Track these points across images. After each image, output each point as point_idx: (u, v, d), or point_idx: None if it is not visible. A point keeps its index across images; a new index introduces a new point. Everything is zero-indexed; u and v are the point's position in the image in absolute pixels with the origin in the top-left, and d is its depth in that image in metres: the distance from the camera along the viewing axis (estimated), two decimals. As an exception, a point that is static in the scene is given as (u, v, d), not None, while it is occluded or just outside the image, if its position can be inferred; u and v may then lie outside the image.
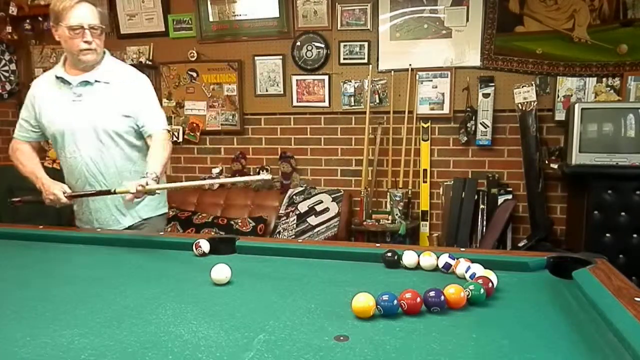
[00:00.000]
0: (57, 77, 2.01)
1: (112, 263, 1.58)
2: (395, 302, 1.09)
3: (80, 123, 1.99)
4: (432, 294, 1.11)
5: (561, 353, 0.91)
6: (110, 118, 2.00)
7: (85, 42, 1.91)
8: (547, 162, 3.52)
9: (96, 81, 2.00)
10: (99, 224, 2.11)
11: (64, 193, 1.94)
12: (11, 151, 2.16)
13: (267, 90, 4.10)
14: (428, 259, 1.45)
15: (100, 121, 1.99)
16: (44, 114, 2.05)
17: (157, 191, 2.06)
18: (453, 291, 1.12)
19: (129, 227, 2.13)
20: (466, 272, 1.33)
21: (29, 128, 2.12)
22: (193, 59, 4.16)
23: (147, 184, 1.79)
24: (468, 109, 3.69)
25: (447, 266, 1.42)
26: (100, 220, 2.11)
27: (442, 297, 1.10)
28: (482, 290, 1.15)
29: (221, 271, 1.35)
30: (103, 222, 2.11)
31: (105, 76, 2.01)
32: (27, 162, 2.10)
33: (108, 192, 1.91)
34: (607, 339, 0.93)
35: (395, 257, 1.49)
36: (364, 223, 3.75)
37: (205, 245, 1.65)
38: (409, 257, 1.46)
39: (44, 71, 4.43)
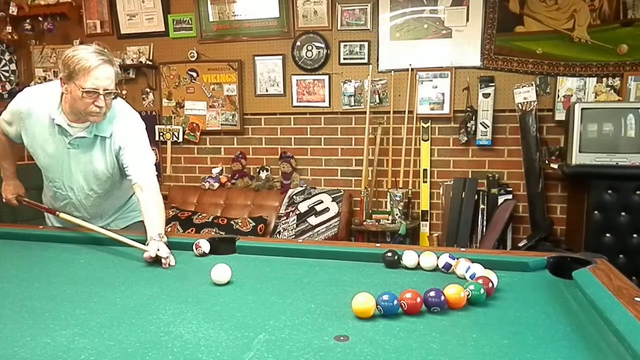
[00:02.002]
0: (54, 123, 1.86)
1: (112, 263, 1.58)
2: (395, 302, 1.09)
3: (72, 168, 1.93)
4: (432, 294, 1.11)
5: (561, 353, 0.91)
6: (105, 167, 1.94)
7: (97, 106, 1.76)
8: (547, 162, 3.52)
9: (94, 135, 1.89)
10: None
11: (17, 196, 2.09)
12: None
13: (267, 90, 4.10)
14: (428, 259, 1.44)
15: (94, 171, 1.94)
16: (32, 145, 1.95)
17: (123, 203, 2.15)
18: (453, 291, 1.12)
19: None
20: (466, 272, 1.34)
21: (11, 133, 2.00)
22: (193, 59, 4.16)
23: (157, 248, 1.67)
24: (468, 109, 3.69)
25: (447, 266, 1.42)
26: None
27: (442, 297, 1.11)
28: (482, 291, 1.15)
29: (221, 271, 1.35)
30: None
31: (105, 131, 1.89)
32: (3, 151, 2.12)
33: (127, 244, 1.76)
34: (607, 339, 0.93)
35: (395, 257, 1.49)
36: (364, 223, 3.75)
37: (205, 246, 1.65)
38: (409, 257, 1.46)
39: (44, 71, 4.51)
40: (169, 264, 1.55)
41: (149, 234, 1.69)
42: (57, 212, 1.96)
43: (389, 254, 1.49)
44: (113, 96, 1.81)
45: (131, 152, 1.90)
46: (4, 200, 2.07)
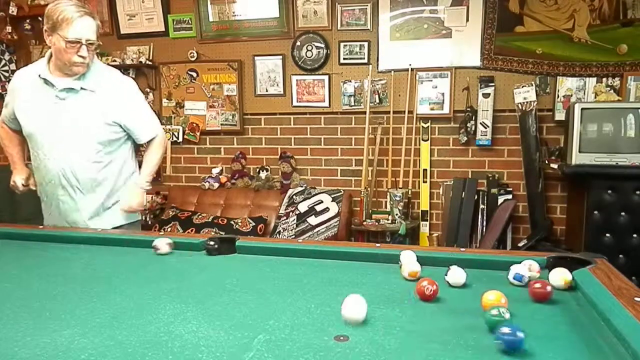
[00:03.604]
0: (40, 77, 1.95)
1: (112, 263, 1.58)
2: (519, 334, 0.90)
3: (60, 127, 1.95)
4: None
5: (561, 353, 0.91)
6: (93, 126, 1.97)
7: (80, 56, 1.87)
8: (547, 162, 3.52)
9: (82, 88, 1.95)
10: (69, 225, 2.07)
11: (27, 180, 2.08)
12: None
13: (267, 90, 4.10)
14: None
15: (82, 128, 1.96)
16: (22, 110, 2.01)
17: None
18: (493, 297, 1.09)
19: None
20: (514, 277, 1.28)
21: (11, 117, 2.09)
22: (193, 59, 4.16)
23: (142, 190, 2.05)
24: (468, 109, 3.69)
25: (519, 277, 1.28)
26: (70, 222, 2.07)
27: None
28: (507, 315, 1.00)
29: (355, 308, 1.05)
30: (73, 224, 2.07)
31: (91, 84, 1.96)
32: (9, 143, 2.17)
33: None
34: (607, 339, 0.93)
35: (216, 246, 1.55)
36: (364, 223, 3.75)
37: (163, 246, 1.65)
38: (407, 257, 1.45)
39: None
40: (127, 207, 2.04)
41: (137, 177, 2.13)
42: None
43: (211, 242, 1.59)
44: (94, 47, 1.91)
45: (131, 116, 2.04)
46: (16, 191, 2.08)
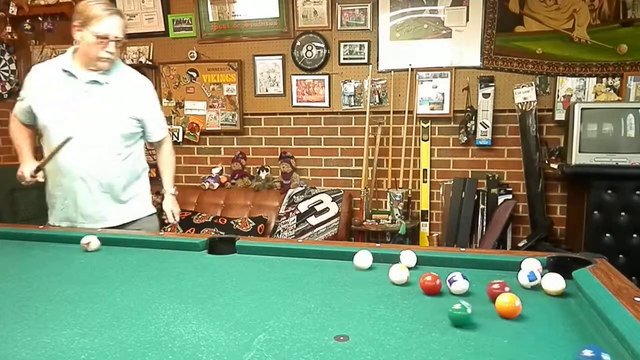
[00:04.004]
0: (65, 71, 2.00)
1: (112, 263, 1.57)
2: (604, 356, 0.81)
3: (84, 120, 1.99)
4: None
5: (561, 353, 0.91)
6: (116, 119, 2.04)
7: (108, 51, 1.95)
8: (547, 162, 3.52)
9: (105, 83, 2.03)
10: (83, 218, 2.07)
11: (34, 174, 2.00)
12: (10, 125, 2.20)
13: (267, 90, 4.10)
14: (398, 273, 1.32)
15: (105, 121, 2.02)
16: (43, 104, 2.02)
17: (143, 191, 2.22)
18: (507, 300, 1.07)
19: (116, 227, 2.09)
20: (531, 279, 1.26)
21: (25, 109, 2.10)
22: (193, 59, 4.16)
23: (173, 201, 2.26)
24: (468, 109, 3.69)
25: (532, 277, 1.25)
26: (85, 216, 2.07)
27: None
28: (468, 310, 1.02)
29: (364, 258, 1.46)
30: (88, 218, 2.07)
31: (114, 79, 2.05)
32: (19, 135, 2.16)
33: None
34: (607, 339, 0.93)
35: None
36: (364, 223, 3.75)
37: (94, 242, 1.68)
38: (407, 257, 1.45)
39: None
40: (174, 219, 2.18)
41: (166, 188, 2.25)
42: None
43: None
44: (121, 44, 2.00)
45: (150, 114, 2.15)
46: (22, 182, 2.03)
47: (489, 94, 3.64)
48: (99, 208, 2.07)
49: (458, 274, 1.22)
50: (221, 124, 4.19)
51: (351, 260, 1.53)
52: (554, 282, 1.20)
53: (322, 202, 3.87)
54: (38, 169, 1.97)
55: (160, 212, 2.28)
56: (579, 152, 3.10)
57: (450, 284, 1.21)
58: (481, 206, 3.63)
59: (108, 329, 1.04)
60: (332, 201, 3.87)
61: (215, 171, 4.19)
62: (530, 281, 1.24)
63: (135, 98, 2.09)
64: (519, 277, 1.27)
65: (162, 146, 2.27)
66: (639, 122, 3.04)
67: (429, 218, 3.90)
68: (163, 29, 4.21)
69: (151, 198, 2.29)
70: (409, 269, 1.43)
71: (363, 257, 1.46)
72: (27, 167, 2.01)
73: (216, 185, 4.14)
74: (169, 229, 3.27)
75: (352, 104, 3.94)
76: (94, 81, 2.01)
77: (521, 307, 1.06)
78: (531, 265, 1.31)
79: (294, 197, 3.93)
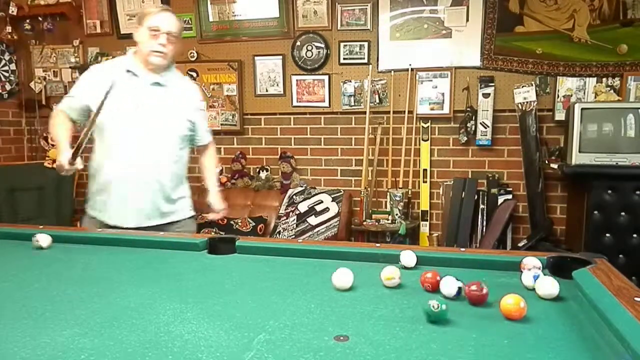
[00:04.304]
0: (128, 71, 2.08)
1: (112, 263, 1.57)
2: None
3: (143, 120, 2.06)
4: None
5: (561, 353, 0.91)
6: (176, 120, 2.15)
7: (160, 44, 2.04)
8: (547, 162, 3.52)
9: (166, 85, 2.12)
10: (134, 216, 2.09)
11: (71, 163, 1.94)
12: (51, 117, 2.16)
13: (267, 90, 4.10)
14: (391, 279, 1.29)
15: (166, 121, 2.11)
16: (109, 104, 2.00)
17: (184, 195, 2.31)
18: (511, 301, 1.07)
19: (155, 227, 2.11)
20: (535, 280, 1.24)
21: (76, 109, 2.11)
22: (193, 59, 4.16)
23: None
24: (468, 109, 3.69)
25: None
26: (137, 213, 2.09)
27: None
28: (444, 307, 1.04)
29: (343, 277, 1.27)
30: (139, 215, 2.10)
31: (173, 83, 2.16)
32: (61, 126, 2.09)
33: None
34: (607, 339, 0.93)
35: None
36: (364, 223, 3.75)
37: (43, 240, 1.68)
38: (407, 257, 1.45)
39: (44, 71, 4.51)
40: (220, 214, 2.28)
41: (210, 188, 2.34)
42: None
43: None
44: (174, 39, 2.08)
45: (202, 118, 2.29)
46: (61, 171, 1.96)
47: (489, 94, 3.64)
48: (151, 206, 2.12)
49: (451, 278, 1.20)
50: (221, 124, 4.19)
51: (351, 261, 1.53)
52: (548, 287, 1.18)
53: (322, 202, 3.87)
54: (74, 155, 1.91)
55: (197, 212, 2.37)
56: (579, 152, 3.10)
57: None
58: (481, 206, 3.63)
59: (108, 329, 1.04)
60: (332, 201, 3.87)
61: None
62: (535, 283, 1.23)
63: (189, 102, 2.21)
64: (523, 277, 1.26)
65: (208, 149, 2.38)
66: (639, 122, 3.04)
67: (429, 218, 3.90)
68: (163, 29, 4.21)
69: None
70: (409, 269, 1.43)
71: (343, 277, 1.26)
72: (64, 156, 1.95)
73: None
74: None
75: (352, 104, 3.94)
76: (156, 83, 2.09)
77: (526, 309, 1.06)
78: (533, 263, 1.30)
79: (294, 197, 3.93)
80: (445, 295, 1.18)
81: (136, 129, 2.06)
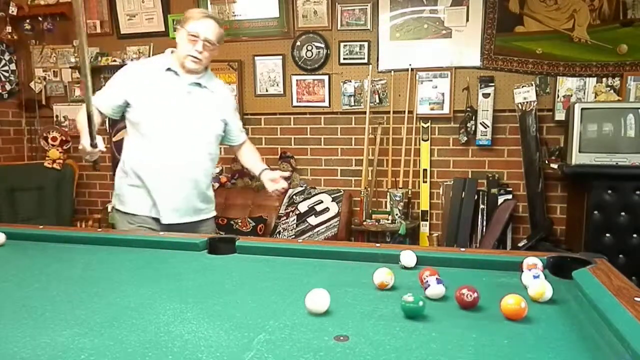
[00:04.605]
0: (169, 69, 2.11)
1: (112, 263, 1.57)
2: None
3: (186, 118, 2.10)
4: None
5: (561, 353, 0.91)
6: (212, 120, 2.20)
7: (196, 50, 2.06)
8: (547, 162, 3.52)
9: (204, 86, 2.16)
10: (170, 213, 2.12)
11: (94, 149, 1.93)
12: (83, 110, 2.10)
13: (267, 90, 4.10)
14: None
15: (204, 121, 2.16)
16: (145, 100, 2.08)
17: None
18: (512, 301, 1.06)
19: (186, 224, 2.15)
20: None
21: (112, 104, 2.12)
22: (193, 59, 4.15)
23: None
24: (468, 109, 3.69)
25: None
26: (173, 210, 2.12)
27: None
28: (420, 303, 1.05)
29: (318, 299, 1.11)
30: (175, 212, 2.12)
31: (210, 84, 2.20)
32: (82, 116, 2.00)
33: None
34: (607, 339, 0.93)
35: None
36: (364, 223, 3.75)
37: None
38: (407, 257, 1.45)
39: (44, 71, 4.51)
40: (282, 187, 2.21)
41: (260, 168, 2.31)
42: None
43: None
44: (211, 47, 2.10)
45: (236, 118, 2.34)
46: (86, 156, 1.98)
47: (489, 94, 3.64)
48: (186, 204, 2.16)
49: (433, 278, 1.19)
50: (221, 124, 4.18)
51: (352, 260, 1.53)
52: (539, 288, 1.16)
53: (322, 202, 3.87)
54: (92, 137, 1.89)
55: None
56: (579, 152, 3.10)
57: (425, 289, 1.18)
58: (481, 206, 3.63)
59: (108, 329, 1.04)
60: (332, 201, 3.87)
61: (215, 171, 4.19)
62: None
63: (225, 103, 2.26)
64: (523, 277, 1.26)
65: (244, 144, 2.40)
66: (639, 122, 3.04)
67: (429, 218, 3.90)
68: (163, 29, 4.21)
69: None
70: (409, 269, 1.43)
71: (317, 300, 1.11)
72: (85, 139, 1.95)
73: (216, 185, 4.13)
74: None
75: (352, 104, 3.94)
76: (195, 83, 2.14)
77: (527, 309, 1.06)
78: (536, 266, 1.30)
79: (294, 197, 3.93)
80: (429, 296, 1.17)
81: (175, 127, 2.09)
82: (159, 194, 2.12)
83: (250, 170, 2.44)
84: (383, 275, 1.26)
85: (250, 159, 2.40)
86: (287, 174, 2.41)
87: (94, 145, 1.91)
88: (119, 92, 2.12)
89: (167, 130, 2.09)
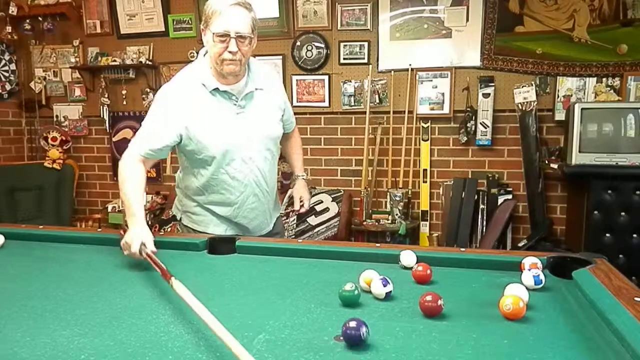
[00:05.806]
0: (214, 89, 1.76)
1: (112, 263, 1.57)
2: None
3: (248, 135, 1.81)
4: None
5: (561, 353, 0.91)
6: (272, 124, 1.90)
7: (230, 52, 1.68)
8: (547, 162, 3.52)
9: (256, 89, 1.83)
10: (253, 229, 1.97)
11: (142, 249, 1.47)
12: (123, 165, 1.73)
13: (267, 90, 4.09)
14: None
15: (265, 130, 1.86)
16: (206, 134, 1.75)
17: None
18: (511, 301, 1.06)
19: (271, 231, 2.05)
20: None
21: (165, 144, 1.75)
22: (193, 59, 4.14)
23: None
24: (468, 109, 3.69)
25: (538, 281, 1.22)
26: (256, 227, 1.97)
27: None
28: (356, 292, 1.14)
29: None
30: (257, 227, 1.98)
31: (259, 82, 1.85)
32: (136, 184, 1.69)
33: None
34: (607, 339, 0.93)
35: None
36: (364, 223, 3.75)
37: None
38: (406, 257, 1.45)
39: (44, 71, 4.50)
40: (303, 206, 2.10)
41: (295, 172, 2.19)
42: (171, 280, 1.21)
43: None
44: (248, 40, 1.73)
45: (287, 103, 2.00)
46: (128, 249, 1.49)
47: (489, 94, 3.64)
48: (266, 217, 2.01)
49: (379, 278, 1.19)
50: (221, 124, 4.18)
51: (351, 260, 1.53)
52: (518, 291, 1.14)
53: (322, 202, 3.87)
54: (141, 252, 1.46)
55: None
56: (579, 152, 3.10)
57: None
58: (481, 206, 3.63)
59: (108, 329, 1.04)
60: (332, 201, 3.87)
61: None
62: (535, 285, 1.22)
63: (279, 96, 1.94)
64: (523, 277, 1.26)
65: (293, 133, 2.15)
66: (639, 122, 3.04)
67: (429, 218, 3.90)
68: (163, 29, 4.21)
69: None
70: (409, 268, 1.43)
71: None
72: (138, 237, 1.49)
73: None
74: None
75: (352, 104, 3.94)
76: (246, 94, 1.80)
77: (525, 309, 1.06)
78: (536, 267, 1.29)
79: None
80: (376, 294, 1.19)
81: (241, 151, 1.81)
82: (241, 216, 1.92)
83: (286, 159, 2.24)
84: (377, 287, 1.21)
85: (294, 155, 2.21)
86: (304, 207, 2.18)
87: (154, 251, 1.45)
88: (164, 134, 1.74)
89: (234, 156, 1.81)
